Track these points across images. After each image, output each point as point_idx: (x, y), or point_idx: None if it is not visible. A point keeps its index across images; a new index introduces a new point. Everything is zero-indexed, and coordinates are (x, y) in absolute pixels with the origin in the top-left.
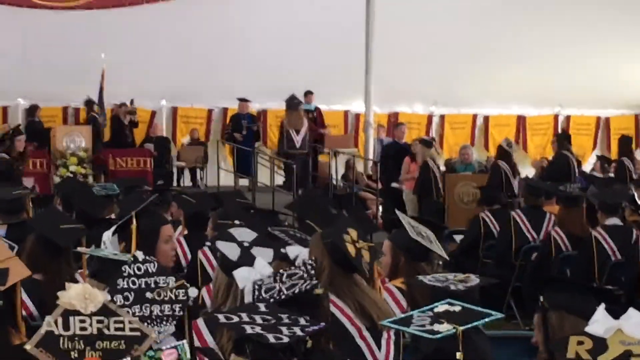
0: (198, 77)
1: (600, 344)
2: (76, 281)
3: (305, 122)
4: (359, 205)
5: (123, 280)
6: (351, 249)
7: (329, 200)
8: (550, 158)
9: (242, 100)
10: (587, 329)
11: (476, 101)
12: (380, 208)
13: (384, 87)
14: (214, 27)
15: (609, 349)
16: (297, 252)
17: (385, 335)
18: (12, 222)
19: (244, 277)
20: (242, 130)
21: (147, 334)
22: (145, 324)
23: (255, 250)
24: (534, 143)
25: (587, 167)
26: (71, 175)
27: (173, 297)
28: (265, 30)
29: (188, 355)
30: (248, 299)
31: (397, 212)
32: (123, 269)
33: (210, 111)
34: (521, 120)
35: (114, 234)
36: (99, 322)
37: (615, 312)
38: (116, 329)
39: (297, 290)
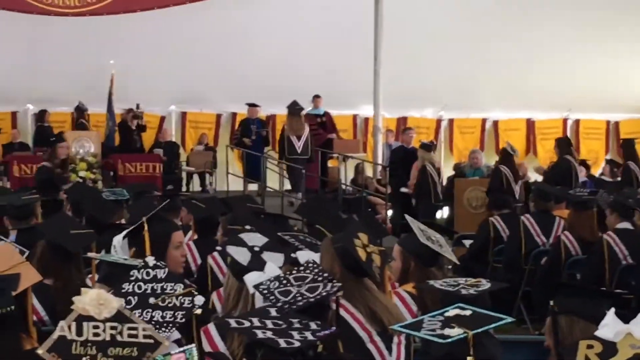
0: (207, 82)
1: (610, 348)
2: (86, 286)
3: (307, 128)
4: (368, 209)
5: (129, 284)
6: (362, 254)
7: (338, 204)
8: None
9: (251, 106)
10: (597, 332)
11: (485, 105)
12: (389, 212)
13: (393, 91)
14: (223, 32)
15: (618, 353)
16: (307, 257)
17: (395, 339)
18: (21, 227)
19: (254, 281)
20: (252, 135)
21: (160, 341)
22: None
23: (265, 255)
24: (544, 147)
25: (600, 171)
26: (80, 180)
27: (178, 304)
28: (274, 35)
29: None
30: (259, 303)
31: (407, 216)
32: (131, 273)
33: (219, 116)
34: (530, 124)
35: (124, 238)
36: (112, 328)
37: (626, 316)
38: (129, 336)
39: (319, 295)
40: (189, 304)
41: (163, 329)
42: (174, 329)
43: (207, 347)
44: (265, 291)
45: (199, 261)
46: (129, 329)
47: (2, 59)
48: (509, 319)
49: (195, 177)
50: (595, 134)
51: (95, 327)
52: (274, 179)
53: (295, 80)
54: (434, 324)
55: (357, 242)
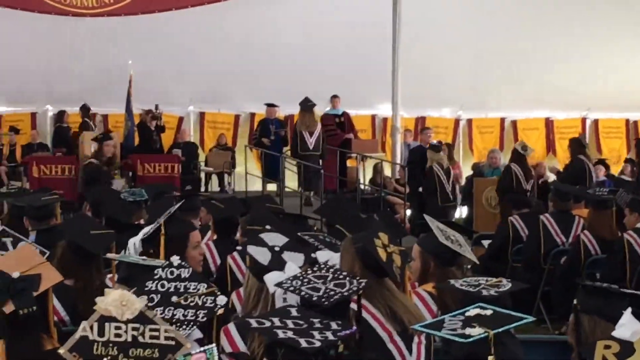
0: (225, 83)
1: (627, 348)
2: (107, 287)
3: (319, 124)
4: (387, 209)
5: (153, 282)
6: (382, 254)
7: (358, 205)
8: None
9: (270, 106)
10: (614, 332)
11: (503, 105)
12: (408, 212)
13: (411, 91)
14: (241, 33)
15: (635, 353)
16: (327, 257)
17: (416, 339)
18: (41, 228)
19: (274, 281)
20: (270, 135)
21: (182, 343)
22: None
23: (286, 255)
24: (562, 147)
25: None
26: None
27: (200, 303)
28: (292, 35)
29: (215, 359)
30: (279, 303)
31: (426, 216)
32: (155, 272)
33: (237, 116)
34: (549, 123)
35: (141, 241)
36: (134, 329)
37: None
38: (151, 337)
39: (350, 290)
40: (211, 303)
41: (184, 327)
42: (194, 327)
43: (227, 347)
44: (292, 289)
45: (219, 261)
46: (151, 330)
47: (21, 60)
48: (530, 319)
49: (214, 178)
50: (615, 133)
51: (117, 327)
52: (292, 179)
53: (314, 80)
54: (455, 324)
55: (377, 242)
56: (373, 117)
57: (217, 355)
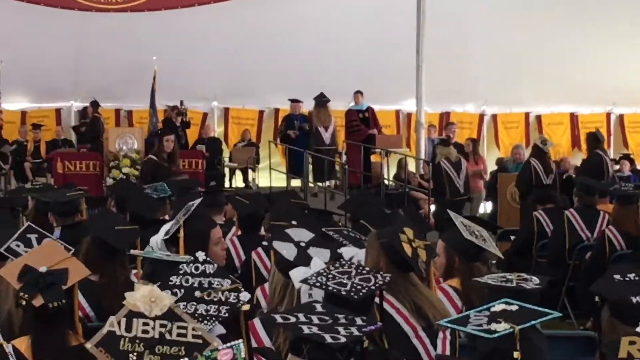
0: (249, 78)
1: None
2: (131, 282)
3: (333, 119)
4: (411, 205)
5: (177, 277)
6: (407, 249)
7: (382, 200)
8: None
9: (294, 101)
10: (639, 328)
11: (528, 100)
12: (432, 208)
13: (435, 86)
14: (265, 28)
15: None
16: (352, 253)
17: (441, 335)
18: (66, 224)
19: (300, 277)
20: (295, 130)
21: (209, 342)
22: None
23: (312, 251)
24: None
25: None
26: (124, 177)
27: (223, 298)
28: (316, 31)
29: (243, 355)
30: (304, 299)
31: (450, 212)
32: (180, 267)
33: (261, 112)
34: (574, 118)
35: (164, 240)
36: (162, 326)
37: None
38: (178, 335)
39: (377, 284)
40: (234, 299)
41: (205, 322)
42: (216, 322)
43: (252, 342)
44: (318, 285)
45: (243, 257)
46: (179, 327)
47: (46, 56)
48: (556, 314)
49: (238, 173)
50: None
51: (145, 324)
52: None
53: (338, 75)
54: (481, 319)
55: (402, 237)
56: (397, 112)
57: (244, 351)
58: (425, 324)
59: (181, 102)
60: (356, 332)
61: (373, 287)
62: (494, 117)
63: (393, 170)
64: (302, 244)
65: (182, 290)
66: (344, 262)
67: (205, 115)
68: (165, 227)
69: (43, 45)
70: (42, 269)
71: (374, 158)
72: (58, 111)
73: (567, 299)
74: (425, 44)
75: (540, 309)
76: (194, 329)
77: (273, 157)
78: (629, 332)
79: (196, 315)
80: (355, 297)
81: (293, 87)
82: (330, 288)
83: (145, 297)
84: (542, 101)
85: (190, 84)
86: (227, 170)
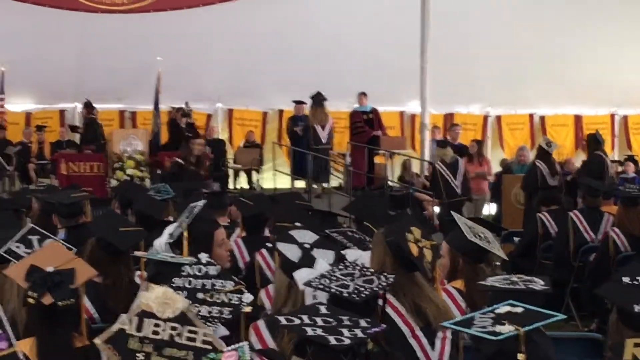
0: (253, 80)
1: None
2: (135, 284)
3: (330, 118)
4: (416, 206)
5: (180, 279)
6: (413, 248)
7: (386, 201)
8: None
9: (298, 103)
10: None
11: (532, 101)
12: (437, 209)
13: (440, 87)
14: (269, 29)
15: None
16: (356, 256)
17: (440, 334)
18: (70, 225)
19: (304, 278)
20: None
21: (218, 349)
22: None
23: (316, 252)
24: None
25: None
26: (128, 178)
27: (226, 300)
28: (321, 32)
29: (247, 357)
30: (308, 300)
31: (453, 213)
32: (183, 269)
33: (265, 113)
34: (578, 120)
35: (167, 242)
36: (173, 328)
37: None
38: (188, 339)
39: (379, 286)
40: (236, 300)
41: (208, 323)
42: (219, 324)
43: (256, 344)
44: (321, 287)
45: (247, 258)
46: (189, 331)
47: (50, 57)
48: (561, 316)
49: (242, 175)
50: None
51: (156, 325)
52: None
53: (342, 76)
54: (485, 321)
55: (409, 236)
56: (401, 113)
57: (249, 353)
58: (424, 324)
59: (186, 104)
60: (360, 334)
61: (376, 289)
62: (498, 118)
63: (397, 172)
64: (306, 246)
65: (185, 292)
66: (348, 264)
67: (209, 116)
68: (168, 229)
69: (47, 46)
70: (50, 269)
71: (378, 159)
72: (62, 112)
73: (572, 300)
74: (429, 46)
75: (545, 311)
76: (204, 335)
77: (277, 159)
78: (634, 335)
79: (199, 316)
80: (357, 299)
81: (297, 88)
82: (332, 290)
83: (159, 298)
84: (547, 103)
85: (194, 85)
86: (231, 172)
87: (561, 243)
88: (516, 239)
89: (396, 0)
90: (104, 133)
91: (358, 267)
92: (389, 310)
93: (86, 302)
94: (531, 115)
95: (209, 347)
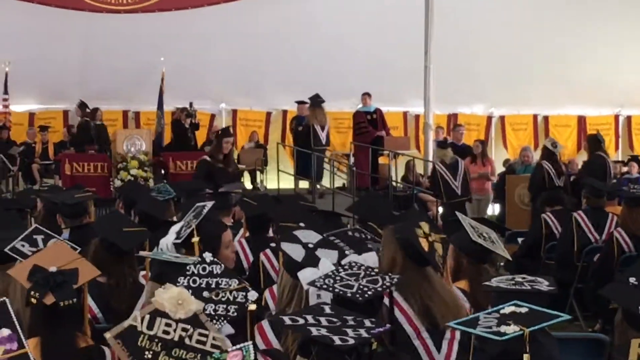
0: (257, 80)
1: None
2: (140, 284)
3: (328, 119)
4: (420, 207)
5: (184, 278)
6: (424, 243)
7: (390, 202)
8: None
9: (301, 103)
10: None
11: (535, 102)
12: (441, 210)
13: (443, 88)
14: (273, 30)
15: None
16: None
17: (448, 335)
18: (74, 226)
19: (308, 278)
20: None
21: (224, 349)
22: None
23: (320, 252)
24: None
25: None
26: (132, 178)
27: (231, 298)
28: (324, 32)
29: (252, 357)
30: (313, 300)
31: (458, 213)
32: (188, 268)
33: (269, 114)
34: (581, 120)
35: (174, 244)
36: (183, 329)
37: None
38: (197, 342)
39: (384, 286)
40: (242, 298)
41: (214, 321)
42: (225, 322)
43: (261, 344)
44: (325, 287)
45: (251, 258)
46: (200, 334)
47: (53, 57)
48: (565, 316)
49: (246, 175)
50: None
51: (168, 325)
52: (325, 176)
53: (346, 77)
54: (490, 321)
55: (419, 231)
56: (405, 114)
57: (254, 353)
58: (431, 325)
59: (191, 104)
60: (365, 334)
61: (380, 289)
62: (502, 118)
63: (401, 172)
64: (310, 245)
65: (190, 291)
66: (353, 264)
67: (213, 116)
68: (174, 229)
69: (51, 46)
70: (52, 269)
71: (381, 160)
72: (66, 113)
73: (575, 301)
74: (433, 46)
75: (549, 311)
76: (214, 338)
77: (281, 159)
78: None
79: (204, 314)
80: (360, 299)
81: (300, 88)
82: (336, 290)
83: (173, 298)
84: (550, 103)
85: (198, 86)
86: None
87: (565, 243)
88: (519, 239)
89: (400, 0)
90: (107, 134)
91: (363, 267)
92: (395, 310)
93: (90, 302)
94: (535, 116)
95: (218, 351)
